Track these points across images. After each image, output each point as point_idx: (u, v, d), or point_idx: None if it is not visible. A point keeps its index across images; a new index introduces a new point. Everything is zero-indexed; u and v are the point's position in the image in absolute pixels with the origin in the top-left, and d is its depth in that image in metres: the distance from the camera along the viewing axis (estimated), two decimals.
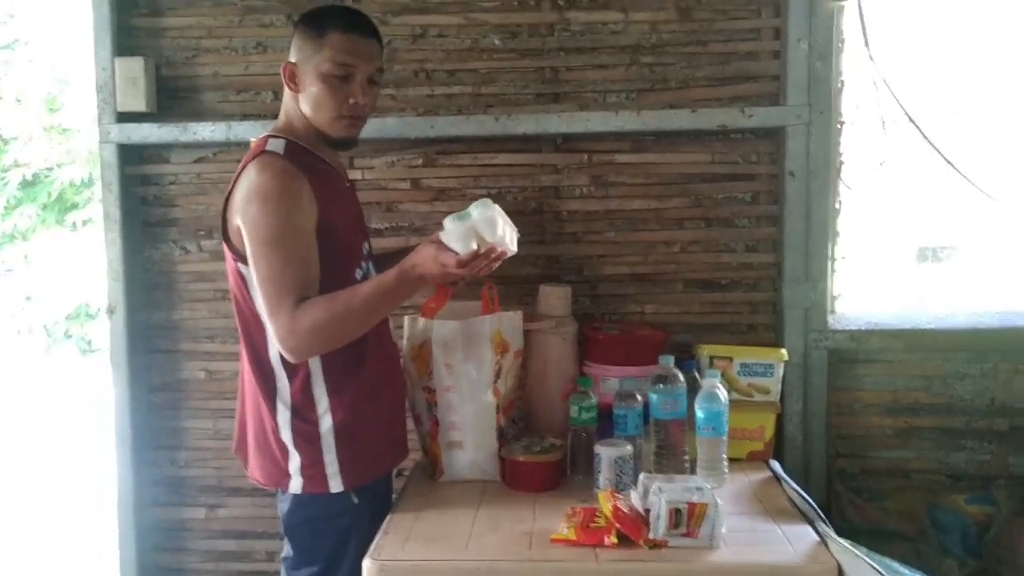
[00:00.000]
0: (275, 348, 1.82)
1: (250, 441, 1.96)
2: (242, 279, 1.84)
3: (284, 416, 1.86)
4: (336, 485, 1.86)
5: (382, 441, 1.96)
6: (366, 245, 2.01)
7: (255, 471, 1.96)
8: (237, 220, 1.79)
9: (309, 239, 1.78)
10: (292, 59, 1.87)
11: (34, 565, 3.97)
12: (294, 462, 1.86)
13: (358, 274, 1.91)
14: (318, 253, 1.80)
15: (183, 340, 2.57)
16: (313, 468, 1.85)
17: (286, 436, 1.86)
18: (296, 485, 1.87)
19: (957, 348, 2.42)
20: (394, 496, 2.09)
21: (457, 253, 1.73)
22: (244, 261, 1.81)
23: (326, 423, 1.85)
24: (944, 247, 3.13)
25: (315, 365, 1.84)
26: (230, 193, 1.82)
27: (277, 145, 1.84)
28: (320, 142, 1.91)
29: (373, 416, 1.92)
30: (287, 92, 1.90)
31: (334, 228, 1.83)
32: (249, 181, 1.78)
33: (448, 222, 1.75)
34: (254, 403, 1.91)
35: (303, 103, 1.87)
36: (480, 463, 2.08)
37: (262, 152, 1.82)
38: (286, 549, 1.95)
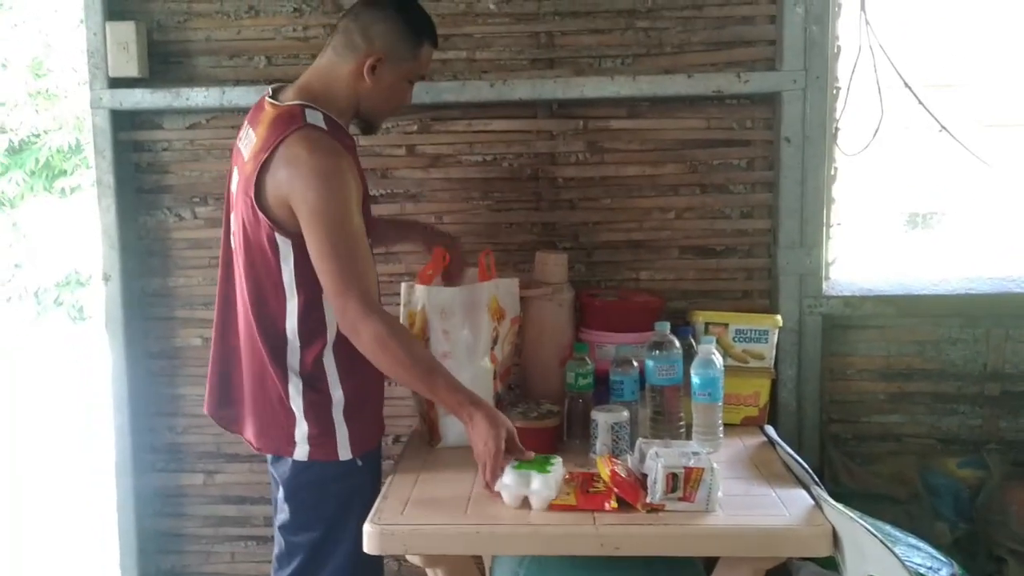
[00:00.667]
0: (293, 321, 1.85)
1: (247, 406, 1.96)
2: (274, 247, 1.82)
3: (296, 385, 1.87)
4: (345, 453, 1.89)
5: (381, 409, 2.03)
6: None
7: (252, 436, 1.96)
8: (281, 192, 1.77)
9: (361, 217, 1.82)
10: (380, 51, 1.87)
11: (31, 533, 3.99)
12: (301, 430, 1.88)
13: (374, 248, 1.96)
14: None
15: (179, 307, 2.57)
16: (323, 437, 1.87)
17: (296, 405, 1.87)
18: (302, 452, 1.88)
19: (950, 314, 2.44)
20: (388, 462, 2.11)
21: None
22: (283, 231, 1.80)
23: (337, 394, 1.88)
24: (934, 213, 3.14)
25: (330, 338, 1.86)
26: (267, 161, 1.78)
27: (316, 118, 1.83)
28: (348, 120, 1.93)
29: (376, 387, 1.98)
30: (347, 72, 1.88)
31: (367, 204, 1.91)
32: (301, 158, 1.76)
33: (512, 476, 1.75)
34: (258, 369, 1.91)
35: (368, 90, 1.89)
36: None
37: (304, 125, 1.80)
38: (283, 516, 1.95)
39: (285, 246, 1.81)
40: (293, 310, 1.85)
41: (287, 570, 1.94)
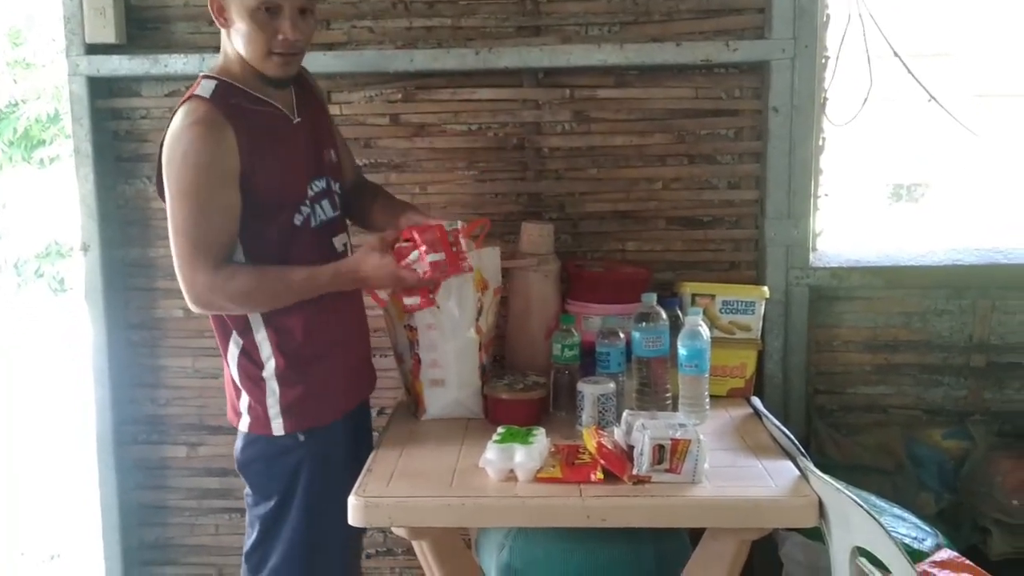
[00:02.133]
0: None
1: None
2: None
3: (233, 355, 1.87)
4: (277, 428, 1.85)
5: (332, 386, 1.90)
6: (318, 183, 1.90)
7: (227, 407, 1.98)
8: (163, 166, 1.76)
9: (228, 193, 1.74)
10: None
11: (14, 508, 3.97)
12: (244, 401, 1.88)
13: (297, 219, 1.84)
14: (240, 204, 1.76)
15: (159, 278, 2.54)
16: (257, 408, 1.86)
17: (236, 375, 1.88)
18: (244, 423, 1.89)
19: (936, 285, 2.43)
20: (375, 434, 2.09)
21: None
22: None
23: (269, 366, 1.84)
24: (918, 185, 3.14)
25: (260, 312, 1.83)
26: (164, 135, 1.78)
27: (207, 88, 1.77)
28: (259, 81, 1.82)
29: (322, 365, 1.88)
30: (223, 31, 1.81)
31: (266, 175, 1.78)
32: (172, 129, 1.74)
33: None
34: (218, 341, 1.92)
35: (234, 39, 1.79)
36: (463, 400, 2.08)
37: (190, 97, 1.76)
38: (247, 488, 1.95)
39: None
40: None
41: (249, 542, 1.94)
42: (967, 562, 1.86)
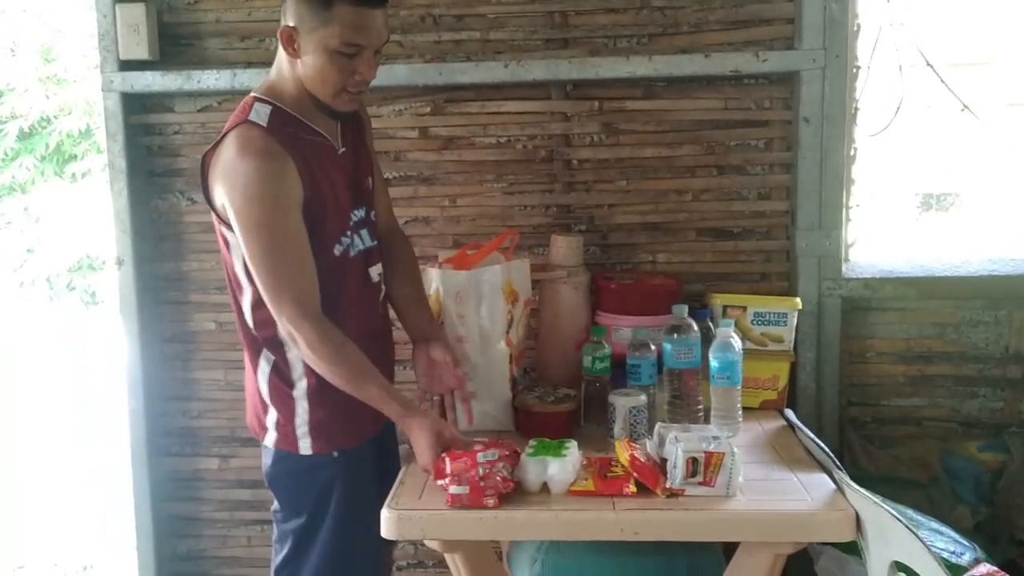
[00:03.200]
0: (249, 310, 1.81)
1: (245, 388, 1.96)
2: (225, 241, 1.80)
3: (264, 371, 1.84)
4: (305, 447, 1.84)
5: (360, 411, 1.83)
6: (358, 212, 1.89)
7: (247, 417, 1.96)
8: (219, 190, 1.73)
9: (298, 222, 1.73)
10: (290, 23, 1.72)
11: (45, 518, 4.01)
12: (271, 416, 1.86)
13: (337, 249, 1.82)
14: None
15: (192, 291, 2.56)
16: (286, 427, 1.84)
17: (264, 390, 1.85)
18: (271, 439, 1.87)
19: (971, 296, 2.41)
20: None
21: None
22: (227, 226, 1.76)
23: (300, 386, 1.83)
24: (948, 195, 3.10)
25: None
26: (210, 153, 1.75)
27: (261, 114, 1.73)
28: (313, 109, 1.79)
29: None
30: (282, 53, 1.77)
31: (321, 204, 1.77)
32: (230, 159, 1.69)
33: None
34: (245, 352, 1.90)
35: (302, 69, 1.75)
36: (494, 413, 2.08)
37: (244, 122, 1.72)
38: (275, 503, 1.93)
39: (233, 240, 1.77)
40: (247, 301, 1.81)
41: (280, 556, 1.92)
42: None
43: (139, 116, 2.50)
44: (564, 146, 2.45)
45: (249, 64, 2.44)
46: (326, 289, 1.78)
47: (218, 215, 1.78)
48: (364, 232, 1.90)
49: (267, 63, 2.38)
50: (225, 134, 1.74)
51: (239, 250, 1.76)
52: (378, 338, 1.96)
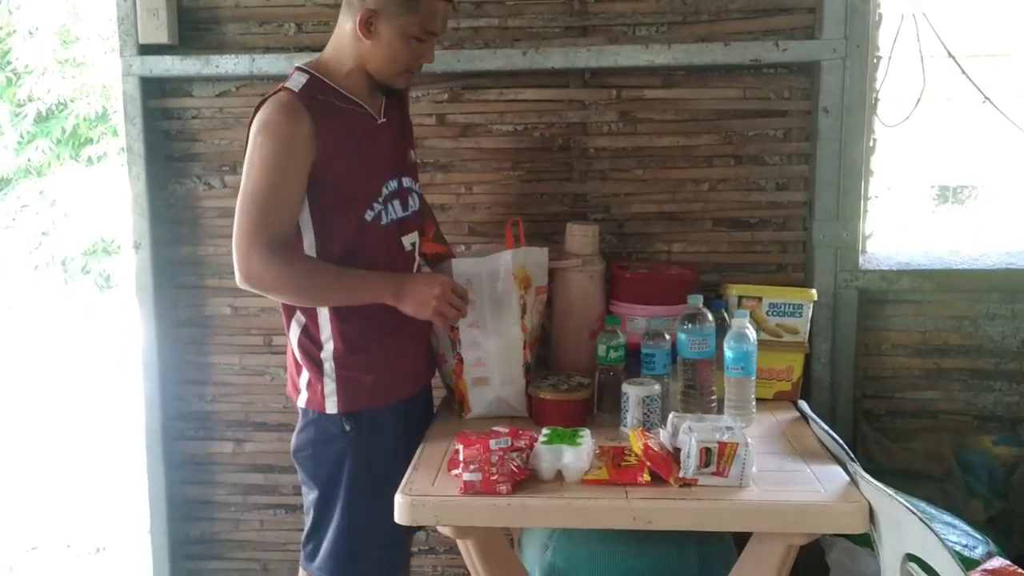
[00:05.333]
0: None
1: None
2: None
3: (295, 331, 1.92)
4: (331, 406, 1.90)
5: (385, 375, 1.93)
6: (392, 183, 1.95)
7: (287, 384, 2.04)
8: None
9: (297, 178, 1.80)
10: (372, 6, 1.81)
11: (59, 500, 4.04)
12: (304, 377, 1.93)
13: (368, 215, 1.89)
14: (304, 193, 1.82)
15: (208, 276, 2.57)
16: (315, 385, 1.91)
17: (298, 351, 1.93)
18: (303, 399, 1.94)
19: (989, 288, 2.39)
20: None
21: None
22: None
23: (329, 345, 1.89)
24: (964, 187, 3.08)
25: None
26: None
27: (297, 81, 1.84)
28: (362, 82, 1.90)
29: (378, 349, 1.93)
30: (349, 31, 1.85)
31: (342, 169, 1.84)
32: (255, 120, 1.82)
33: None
34: (283, 318, 1.98)
35: (371, 50, 1.85)
36: (507, 399, 2.08)
37: (280, 89, 1.83)
38: (299, 475, 2.02)
39: None
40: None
41: (308, 526, 1.99)
42: (1019, 570, 1.82)
43: (157, 100, 2.50)
44: (581, 134, 2.44)
45: (268, 49, 2.44)
46: (354, 252, 1.87)
47: None
48: (397, 202, 1.96)
49: (285, 48, 2.43)
50: (260, 104, 1.84)
51: None
52: None
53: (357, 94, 1.89)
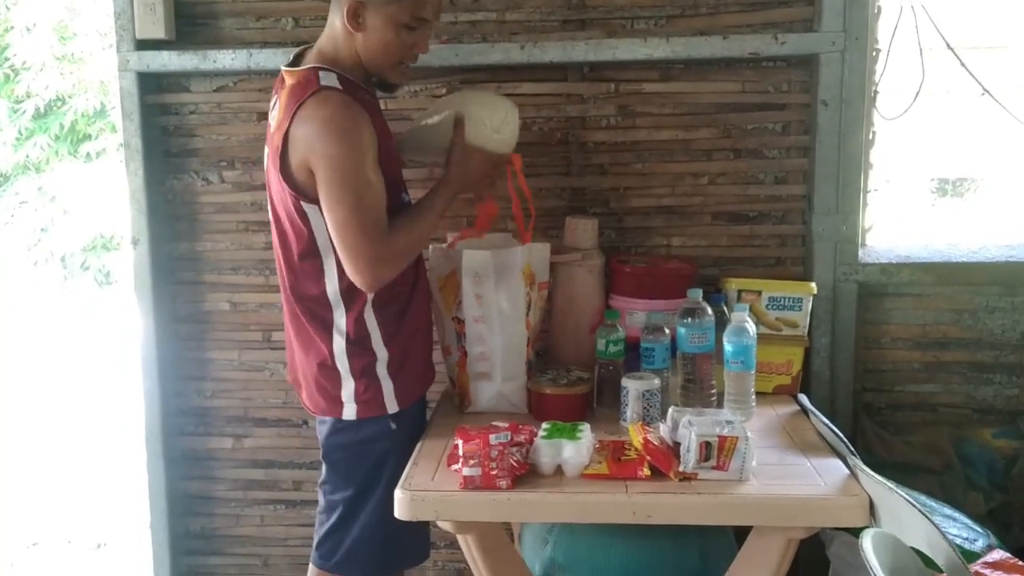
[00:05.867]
0: (333, 283, 1.86)
1: (300, 370, 2.00)
2: (303, 217, 1.83)
3: (340, 346, 1.89)
4: (392, 406, 1.91)
5: (424, 365, 2.03)
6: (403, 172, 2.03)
7: (306, 400, 2.01)
8: (301, 155, 1.77)
9: (378, 172, 1.80)
10: None
11: (62, 496, 4.04)
12: (347, 389, 1.90)
13: (405, 198, 1.95)
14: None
15: (207, 272, 2.57)
16: (370, 394, 1.90)
17: (342, 365, 1.90)
18: (350, 411, 1.91)
19: (989, 282, 2.39)
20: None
21: None
22: (308, 199, 1.80)
23: (383, 353, 1.90)
24: (964, 180, 3.08)
25: (369, 296, 1.87)
26: (289, 129, 1.78)
27: (331, 79, 1.81)
28: (364, 78, 1.90)
29: (420, 339, 2.00)
30: (340, 25, 1.83)
31: (388, 158, 1.87)
32: (316, 117, 1.75)
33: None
34: (302, 333, 1.94)
35: (361, 42, 1.83)
36: (508, 394, 2.08)
37: (319, 88, 1.78)
38: (323, 474, 1.99)
39: (314, 213, 1.81)
40: (332, 273, 1.86)
41: (325, 526, 1.98)
42: (1019, 563, 1.82)
43: (155, 96, 2.49)
44: (580, 128, 2.43)
45: (265, 44, 2.44)
46: None
47: (298, 190, 1.80)
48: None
49: (283, 43, 2.41)
50: (300, 105, 1.77)
51: (322, 222, 1.81)
52: (427, 288, 2.07)
53: (368, 88, 1.91)
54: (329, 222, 1.78)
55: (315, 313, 1.89)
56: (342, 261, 1.80)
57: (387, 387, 1.91)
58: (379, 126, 1.85)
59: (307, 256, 1.86)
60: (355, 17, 1.80)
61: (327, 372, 1.91)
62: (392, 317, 1.91)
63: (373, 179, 1.78)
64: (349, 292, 1.86)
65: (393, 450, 1.91)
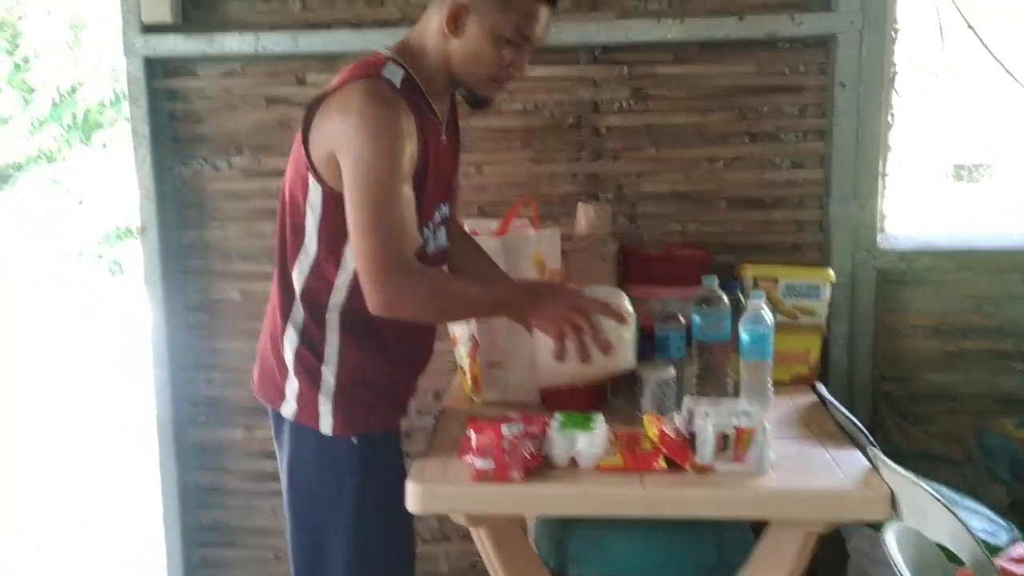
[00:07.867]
0: (305, 269, 1.69)
1: (259, 347, 1.85)
2: (304, 186, 1.66)
3: (291, 338, 1.72)
4: (326, 427, 1.71)
5: (381, 400, 1.77)
6: (443, 209, 1.80)
7: (255, 377, 1.85)
8: (332, 136, 1.61)
9: (410, 188, 1.62)
10: (463, 1, 1.63)
11: (74, 486, 4.05)
12: (292, 386, 1.74)
13: (424, 233, 1.72)
14: None
15: (216, 260, 2.54)
16: (307, 398, 1.72)
17: (288, 357, 1.73)
18: (289, 410, 1.74)
19: (1010, 269, 2.35)
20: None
21: None
22: (317, 175, 1.63)
23: (332, 359, 1.71)
24: (980, 165, 3.04)
25: (338, 299, 1.70)
26: (324, 101, 1.63)
27: (395, 74, 1.63)
28: (443, 88, 1.72)
29: (380, 373, 1.76)
30: (436, 25, 1.66)
31: (422, 184, 1.67)
32: (353, 107, 1.58)
33: None
34: (270, 312, 1.79)
35: (458, 48, 1.66)
36: (520, 384, 2.05)
37: (376, 77, 1.61)
38: (283, 482, 1.84)
39: (315, 191, 1.65)
40: (306, 259, 1.69)
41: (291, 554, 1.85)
42: None
43: (162, 81, 2.47)
44: (592, 113, 2.39)
45: (272, 27, 2.40)
46: None
47: (312, 165, 1.64)
48: (442, 230, 1.82)
49: (290, 25, 2.38)
50: (346, 82, 1.62)
51: (319, 204, 1.65)
52: (424, 328, 1.86)
53: (436, 103, 1.71)
54: (355, 226, 1.60)
55: (283, 295, 1.73)
56: (358, 270, 1.62)
57: (324, 402, 1.71)
58: (429, 144, 1.67)
59: (293, 231, 1.70)
60: (455, 21, 1.64)
61: (277, 358, 1.75)
62: (353, 335, 1.71)
63: (404, 196, 1.60)
64: (316, 285, 1.70)
65: (355, 470, 1.72)
